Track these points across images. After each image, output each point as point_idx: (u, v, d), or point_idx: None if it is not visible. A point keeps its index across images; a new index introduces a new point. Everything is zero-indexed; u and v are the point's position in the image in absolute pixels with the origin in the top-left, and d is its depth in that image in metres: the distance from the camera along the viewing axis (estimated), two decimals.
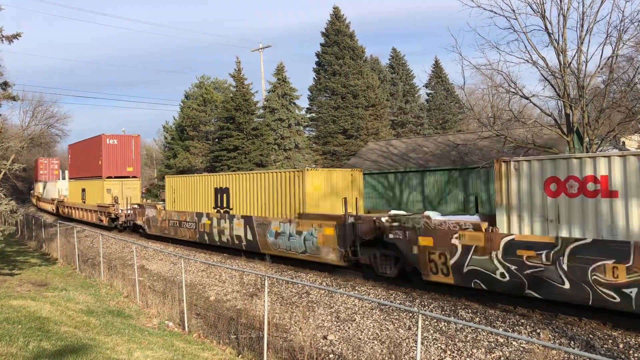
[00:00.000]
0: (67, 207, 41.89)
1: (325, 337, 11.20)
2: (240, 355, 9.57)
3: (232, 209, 21.04)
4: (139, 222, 28.30)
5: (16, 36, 15.42)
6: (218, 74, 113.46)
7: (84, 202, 37.47)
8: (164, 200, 28.03)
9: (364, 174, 33.39)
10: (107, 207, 31.71)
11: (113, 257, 22.64)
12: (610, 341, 9.72)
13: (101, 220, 32.72)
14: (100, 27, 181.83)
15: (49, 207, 48.94)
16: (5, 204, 15.55)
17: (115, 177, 34.45)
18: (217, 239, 21.56)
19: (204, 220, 22.44)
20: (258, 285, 15.64)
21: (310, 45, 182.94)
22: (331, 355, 10.25)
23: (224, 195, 21.50)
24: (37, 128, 66.11)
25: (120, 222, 30.72)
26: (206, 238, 22.30)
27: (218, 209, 21.87)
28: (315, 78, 47.31)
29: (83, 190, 38.30)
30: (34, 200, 63.38)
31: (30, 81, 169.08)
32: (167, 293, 13.96)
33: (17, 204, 19.50)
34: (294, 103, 45.78)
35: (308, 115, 47.19)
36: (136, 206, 29.29)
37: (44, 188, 55.38)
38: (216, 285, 16.72)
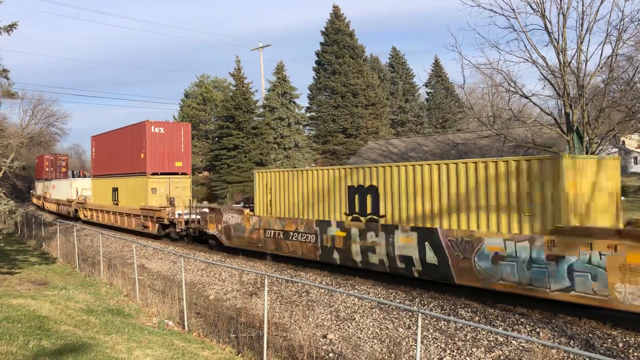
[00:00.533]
0: (91, 210, 35.49)
1: (325, 336, 11.21)
2: (240, 354, 9.57)
3: (383, 216, 14.73)
4: (210, 230, 21.74)
5: (12, 26, 15.28)
6: (218, 73, 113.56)
7: (117, 204, 31.36)
8: (240, 203, 22.46)
9: None
10: (158, 211, 25.75)
11: (113, 256, 22.62)
12: (609, 340, 9.73)
13: (146, 227, 26.98)
14: (100, 26, 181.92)
15: (63, 209, 42.49)
16: (5, 204, 15.54)
17: (162, 174, 27.94)
18: (358, 258, 15.34)
19: (333, 231, 16.17)
20: (258, 284, 15.65)
21: (310, 44, 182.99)
22: (331, 354, 10.25)
23: (367, 196, 15.28)
24: (36, 127, 66.18)
25: (177, 230, 24.73)
26: (336, 257, 16.08)
27: (355, 215, 15.60)
28: (315, 77, 47.33)
29: (114, 190, 31.97)
30: (35, 201, 57.70)
31: (30, 80, 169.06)
32: (166, 292, 13.97)
33: (17, 203, 19.49)
34: (294, 102, 45.81)
35: (308, 114, 47.21)
36: (206, 210, 22.80)
37: (53, 187, 48.73)
38: (216, 284, 16.73)
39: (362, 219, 15.43)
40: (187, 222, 24.11)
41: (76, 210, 38.27)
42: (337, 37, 45.43)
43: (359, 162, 35.12)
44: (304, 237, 17.23)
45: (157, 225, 25.96)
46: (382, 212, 14.86)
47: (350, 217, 15.82)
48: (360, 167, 15.79)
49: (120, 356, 8.35)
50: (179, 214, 24.70)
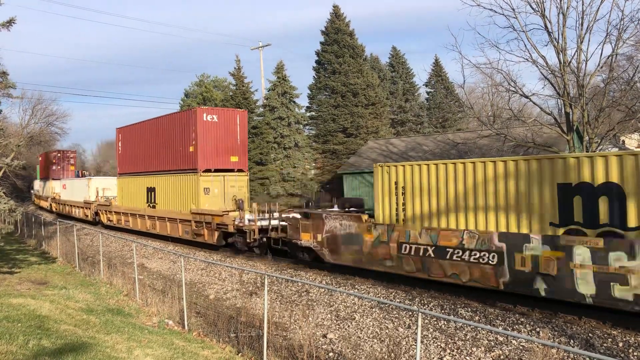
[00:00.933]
0: (117, 213, 30.97)
1: (325, 336, 11.21)
2: (240, 354, 9.57)
3: (635, 228, 10.31)
4: (304, 241, 17.15)
5: (11, 22, 15.30)
6: (218, 73, 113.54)
7: (153, 207, 26.98)
8: (333, 206, 18.49)
9: (364, 173, 33.51)
10: (219, 216, 21.22)
11: (113, 256, 22.63)
12: (609, 340, 9.73)
13: (199, 235, 22.66)
14: (100, 26, 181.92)
15: (78, 212, 38.16)
16: (5, 203, 15.55)
17: (216, 171, 23.68)
18: (588, 291, 10.69)
19: (536, 249, 11.42)
20: (257, 284, 15.65)
21: (310, 44, 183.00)
22: (331, 354, 10.25)
23: (598, 199, 10.78)
24: (36, 126, 66.23)
25: (248, 240, 19.79)
26: (540, 286, 11.40)
27: (575, 227, 11.03)
28: (315, 76, 47.29)
29: (150, 190, 27.48)
30: (40, 202, 53.35)
31: (30, 79, 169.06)
32: (166, 291, 13.98)
33: (17, 203, 19.50)
34: (294, 101, 45.78)
35: (308, 114, 47.19)
36: (297, 215, 18.07)
37: (64, 187, 43.97)
38: (216, 283, 16.73)
39: (589, 232, 10.80)
40: (261, 230, 19.56)
41: (96, 214, 34.11)
42: (337, 37, 45.39)
43: (359, 162, 35.13)
44: (476, 257, 12.44)
45: (216, 233, 21.44)
46: (632, 223, 10.24)
47: (562, 230, 11.20)
48: (585, 156, 11.14)
49: (120, 355, 8.35)
50: (249, 220, 20.15)
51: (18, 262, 18.93)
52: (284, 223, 18.63)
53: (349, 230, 15.59)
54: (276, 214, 19.53)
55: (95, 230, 25.66)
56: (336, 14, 46.36)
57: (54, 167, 50.59)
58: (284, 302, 13.85)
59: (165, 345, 9.41)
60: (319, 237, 16.59)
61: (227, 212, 21.47)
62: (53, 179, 48.94)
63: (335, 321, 12.00)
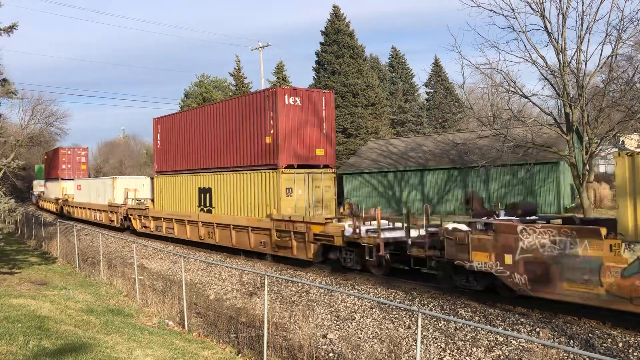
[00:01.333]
0: (156, 219, 26.43)
1: (325, 336, 11.22)
2: (240, 354, 9.58)
3: None
4: (478, 263, 12.18)
5: (12, 27, 15.34)
6: (218, 73, 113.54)
7: (209, 212, 22.46)
8: (493, 215, 12.96)
9: (363, 173, 33.51)
10: (321, 225, 16.42)
11: (113, 256, 22.64)
12: (609, 340, 9.73)
13: (284, 248, 18.06)
14: (100, 26, 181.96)
15: (100, 216, 33.76)
16: (4, 203, 15.56)
17: (299, 167, 19.20)
18: None
19: None
20: (257, 284, 15.65)
21: (310, 44, 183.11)
22: (331, 354, 10.26)
23: None
24: (36, 127, 66.20)
25: (367, 258, 14.90)
26: None
27: None
28: (315, 77, 47.33)
29: (204, 191, 22.93)
30: (46, 205, 50.03)
31: (29, 80, 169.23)
32: (167, 292, 13.99)
33: (16, 202, 19.52)
34: None
35: None
36: (459, 226, 13.10)
37: (78, 188, 40.02)
38: (216, 284, 16.74)
39: None
40: (387, 244, 14.73)
41: (126, 218, 29.76)
42: (337, 37, 45.43)
43: (359, 162, 35.21)
44: None
45: (313, 246, 16.76)
46: None
47: None
48: None
49: (121, 356, 8.36)
50: (367, 231, 15.21)
51: (18, 262, 18.93)
52: (429, 236, 13.63)
53: (572, 251, 10.68)
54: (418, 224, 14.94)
55: (95, 231, 25.59)
56: (336, 14, 46.39)
57: (63, 166, 46.73)
58: (284, 302, 13.86)
59: (166, 345, 9.41)
60: (508, 259, 11.75)
61: (330, 220, 16.88)
62: (63, 179, 45.41)
63: (335, 321, 12.01)
